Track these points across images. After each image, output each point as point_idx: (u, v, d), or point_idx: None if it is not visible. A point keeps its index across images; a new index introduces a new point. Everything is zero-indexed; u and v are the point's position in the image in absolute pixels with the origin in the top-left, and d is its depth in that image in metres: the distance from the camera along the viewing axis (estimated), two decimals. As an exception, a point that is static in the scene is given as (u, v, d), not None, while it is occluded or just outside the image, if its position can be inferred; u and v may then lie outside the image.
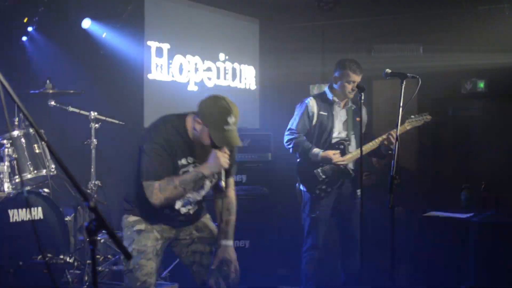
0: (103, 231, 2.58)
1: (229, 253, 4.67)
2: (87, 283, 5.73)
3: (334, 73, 6.46)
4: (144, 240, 4.50)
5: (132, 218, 4.55)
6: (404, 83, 5.19)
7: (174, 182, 4.27)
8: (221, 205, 4.80)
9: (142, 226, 4.53)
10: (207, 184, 4.61)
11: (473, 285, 5.78)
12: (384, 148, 6.34)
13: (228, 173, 4.70)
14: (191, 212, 4.64)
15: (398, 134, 5.19)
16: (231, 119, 4.28)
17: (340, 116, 6.48)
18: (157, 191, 4.27)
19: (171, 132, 4.42)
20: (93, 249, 2.60)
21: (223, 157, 4.32)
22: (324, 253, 6.55)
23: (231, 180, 4.83)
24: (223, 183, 4.44)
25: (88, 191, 6.43)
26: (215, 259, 4.66)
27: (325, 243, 6.51)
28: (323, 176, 6.37)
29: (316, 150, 6.31)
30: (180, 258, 4.85)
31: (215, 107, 4.32)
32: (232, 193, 4.83)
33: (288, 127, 6.46)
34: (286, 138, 6.43)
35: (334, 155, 6.31)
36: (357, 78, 6.33)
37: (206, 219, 4.83)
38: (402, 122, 6.28)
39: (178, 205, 4.53)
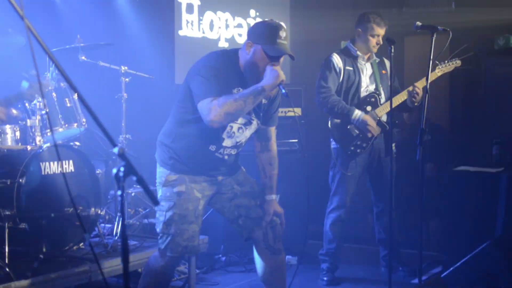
0: (132, 176, 2.59)
1: (277, 206, 4.72)
2: (117, 236, 5.78)
3: (356, 27, 6.40)
4: (185, 203, 4.45)
5: (172, 177, 4.48)
6: (435, 36, 5.15)
7: (233, 96, 4.15)
8: (264, 159, 4.77)
9: (182, 187, 4.46)
10: (254, 124, 4.54)
11: (503, 235, 5.76)
12: (410, 101, 6.30)
13: (270, 121, 4.70)
14: (232, 156, 4.57)
15: (428, 83, 5.15)
16: (282, 33, 4.27)
17: (366, 69, 6.43)
18: (216, 107, 4.10)
19: (224, 60, 4.39)
20: (122, 195, 2.62)
21: (279, 70, 4.23)
22: (350, 213, 6.56)
23: (273, 131, 4.78)
24: (284, 90, 4.26)
25: (121, 147, 6.43)
26: (266, 215, 4.67)
27: (352, 203, 6.52)
28: (357, 132, 6.34)
29: (356, 113, 6.26)
30: (222, 214, 4.78)
31: (264, 24, 4.35)
32: (274, 146, 4.79)
33: (318, 84, 6.40)
34: (319, 96, 6.36)
35: (371, 123, 6.26)
36: (381, 31, 6.27)
37: (244, 173, 4.79)
38: (433, 69, 6.22)
39: (225, 135, 4.42)
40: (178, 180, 4.47)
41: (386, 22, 6.32)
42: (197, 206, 4.49)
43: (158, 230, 4.57)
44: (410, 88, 6.24)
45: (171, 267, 4.67)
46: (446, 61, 6.40)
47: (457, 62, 6.43)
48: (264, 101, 4.52)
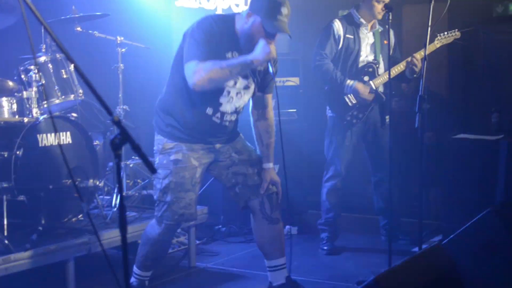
0: (128, 144, 2.57)
1: (274, 174, 4.74)
2: (116, 207, 5.77)
3: None
4: (182, 171, 4.46)
5: (169, 145, 4.49)
6: (433, 2, 5.10)
7: (220, 63, 4.14)
8: (260, 128, 4.77)
9: (179, 155, 4.46)
10: (251, 88, 4.54)
11: (504, 202, 5.75)
12: (409, 72, 6.26)
13: (267, 88, 4.69)
14: (231, 122, 4.56)
15: (426, 53, 5.11)
16: (284, 10, 4.27)
17: (367, 38, 6.38)
18: (201, 70, 4.12)
19: (219, 24, 4.36)
20: (118, 163, 2.60)
21: (272, 46, 4.22)
22: (346, 182, 6.55)
23: (270, 98, 4.77)
24: (271, 69, 4.33)
25: (116, 115, 6.42)
26: (263, 182, 4.67)
27: (347, 172, 6.51)
28: (354, 101, 6.31)
29: (349, 82, 6.23)
30: (220, 181, 4.80)
31: None
32: (271, 114, 4.79)
33: (315, 50, 6.37)
34: (315, 63, 6.33)
35: (364, 90, 6.23)
36: None
37: (242, 140, 4.79)
38: (432, 41, 6.19)
39: (223, 99, 4.42)
40: (175, 148, 4.47)
41: None
42: (194, 174, 4.48)
43: (155, 197, 4.59)
44: (409, 59, 6.20)
45: (168, 235, 4.68)
46: (446, 33, 6.36)
47: (456, 34, 6.40)
48: (259, 67, 4.51)
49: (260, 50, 4.19)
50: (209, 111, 4.44)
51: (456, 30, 6.39)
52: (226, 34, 4.34)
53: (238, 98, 4.49)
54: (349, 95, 6.29)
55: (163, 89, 4.63)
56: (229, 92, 4.43)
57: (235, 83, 4.44)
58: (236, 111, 4.56)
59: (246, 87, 4.51)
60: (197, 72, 4.13)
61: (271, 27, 4.25)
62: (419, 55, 6.17)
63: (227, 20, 4.45)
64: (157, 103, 4.62)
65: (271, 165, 4.75)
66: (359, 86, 6.24)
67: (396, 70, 6.25)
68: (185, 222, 4.61)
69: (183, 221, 4.56)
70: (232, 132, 4.67)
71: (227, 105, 4.46)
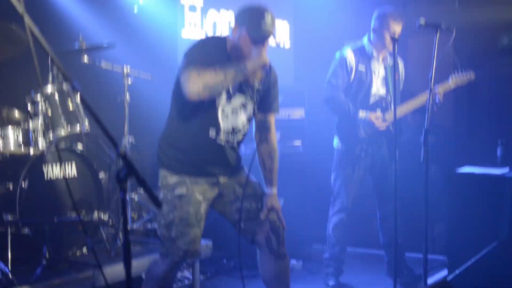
0: (133, 176, 2.56)
1: (277, 201, 4.66)
2: (121, 241, 5.75)
3: (372, 24, 6.33)
4: (186, 206, 4.40)
5: (172, 179, 4.44)
6: (438, 34, 5.11)
7: (214, 70, 4.12)
8: (263, 152, 4.72)
9: (183, 189, 4.41)
10: (249, 108, 4.52)
11: (509, 236, 5.73)
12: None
13: (269, 107, 4.67)
14: (229, 143, 4.50)
15: (432, 86, 5.12)
16: (267, 16, 4.29)
17: (378, 72, 6.37)
18: (195, 77, 4.06)
19: (213, 43, 4.42)
20: (124, 197, 2.60)
21: (263, 53, 4.26)
22: (353, 216, 6.53)
23: (272, 120, 4.74)
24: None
25: (122, 149, 6.42)
26: (264, 209, 4.61)
27: (354, 206, 6.49)
28: (365, 135, 6.30)
29: (362, 114, 6.22)
30: (224, 217, 4.73)
31: (249, 7, 4.36)
32: (273, 137, 4.74)
33: (328, 79, 6.33)
34: (325, 93, 6.31)
35: (376, 119, 6.24)
36: (397, 28, 6.19)
37: (247, 175, 4.70)
38: (445, 78, 6.21)
39: (220, 118, 4.39)
40: (179, 182, 4.43)
41: (402, 17, 6.25)
42: (198, 209, 4.44)
43: (159, 233, 4.55)
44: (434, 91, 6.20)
45: (173, 272, 4.63)
46: (460, 73, 6.36)
47: (471, 76, 6.39)
48: (257, 85, 4.51)
49: (252, 58, 4.25)
50: (212, 133, 4.41)
51: (471, 72, 6.38)
52: (219, 54, 4.35)
53: (234, 116, 4.45)
54: (360, 128, 6.27)
55: (165, 124, 4.62)
56: (223, 110, 4.40)
57: (230, 100, 4.42)
58: (235, 132, 4.49)
59: (243, 106, 4.48)
60: (192, 79, 4.07)
61: (256, 33, 4.27)
62: (442, 89, 6.18)
63: (220, 40, 4.49)
64: (160, 138, 4.61)
65: (273, 190, 4.68)
66: (372, 116, 6.23)
67: (417, 102, 6.26)
68: (190, 258, 4.56)
69: (188, 257, 4.50)
70: (235, 162, 4.62)
71: (224, 123, 4.43)
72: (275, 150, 4.74)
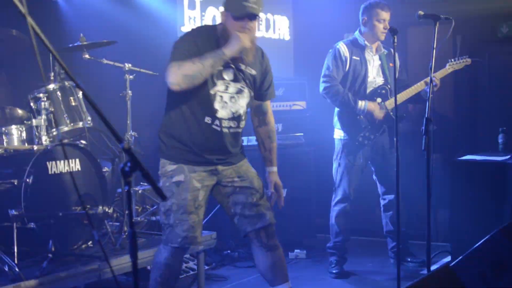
0: (138, 171, 2.59)
1: (277, 178, 4.81)
2: (126, 233, 5.78)
3: (362, 16, 6.41)
4: (184, 193, 4.46)
5: (170, 167, 4.51)
6: (438, 25, 5.15)
7: (193, 59, 4.26)
8: (262, 133, 4.84)
9: (181, 176, 4.48)
10: (246, 94, 4.59)
11: (511, 223, 5.75)
12: (425, 92, 6.29)
13: (264, 96, 4.78)
14: (232, 129, 4.58)
15: (431, 75, 5.16)
16: None
17: (373, 61, 6.43)
18: (175, 68, 4.24)
19: (201, 33, 4.52)
20: (129, 190, 2.63)
21: (244, 36, 4.32)
22: (355, 205, 6.57)
23: (269, 105, 4.86)
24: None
25: (127, 142, 6.45)
26: (270, 185, 4.76)
27: (356, 194, 6.53)
28: (366, 123, 6.35)
29: (360, 103, 6.27)
30: (222, 208, 4.83)
31: None
32: (271, 119, 4.87)
33: (323, 73, 6.41)
34: (322, 85, 6.37)
35: (375, 107, 6.28)
36: (386, 15, 6.27)
37: (247, 165, 4.80)
38: (443, 66, 6.26)
39: (217, 105, 4.47)
40: (176, 170, 4.50)
41: (389, 7, 6.33)
42: (196, 196, 4.50)
43: (160, 221, 4.63)
44: (427, 79, 6.23)
45: (176, 259, 4.66)
46: (457, 58, 6.42)
47: (467, 60, 6.47)
48: (251, 70, 4.60)
49: (231, 41, 4.32)
50: (208, 119, 4.48)
51: (467, 56, 6.44)
52: (209, 42, 4.43)
53: (232, 102, 4.52)
54: (361, 116, 6.32)
55: (163, 115, 4.69)
56: (222, 97, 4.48)
57: (227, 88, 4.50)
58: (234, 117, 4.56)
59: (240, 91, 4.55)
60: (172, 70, 4.25)
61: (238, 12, 4.34)
62: (439, 74, 6.24)
63: (209, 29, 4.61)
64: (159, 129, 4.66)
65: (274, 168, 4.84)
66: (371, 106, 6.28)
67: (414, 90, 6.31)
68: (189, 245, 4.59)
69: (186, 244, 4.54)
70: (236, 148, 4.68)
71: (223, 111, 4.50)
72: (273, 131, 4.88)
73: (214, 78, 4.44)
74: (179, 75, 4.23)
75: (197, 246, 4.75)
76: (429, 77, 6.14)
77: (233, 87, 4.52)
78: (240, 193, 4.66)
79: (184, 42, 4.44)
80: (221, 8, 4.50)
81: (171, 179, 4.49)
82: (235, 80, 4.53)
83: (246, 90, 4.59)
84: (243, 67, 4.55)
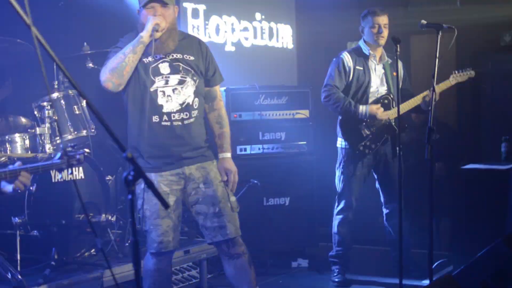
0: (141, 179, 2.61)
1: (229, 163, 4.82)
2: (129, 241, 5.79)
3: (360, 27, 6.45)
4: (154, 198, 4.43)
5: None
6: (440, 34, 5.17)
7: (115, 55, 4.48)
8: (211, 119, 4.89)
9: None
10: (189, 82, 4.63)
11: (513, 233, 5.76)
12: (424, 104, 6.27)
13: (211, 82, 4.85)
14: (186, 121, 4.62)
15: (434, 85, 5.18)
16: None
17: (377, 70, 6.44)
18: (103, 69, 4.47)
19: (128, 38, 4.67)
20: (132, 199, 2.65)
21: (153, 16, 4.45)
22: (358, 214, 6.57)
23: (217, 90, 4.92)
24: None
25: (129, 151, 6.46)
26: (221, 172, 4.79)
27: (358, 203, 6.53)
28: (368, 132, 6.35)
29: (362, 108, 6.28)
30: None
31: None
32: (220, 104, 4.93)
33: (325, 83, 6.43)
34: (324, 94, 6.39)
35: (377, 110, 6.28)
36: (380, 19, 6.30)
37: (216, 170, 4.81)
38: (447, 77, 6.26)
39: (161, 101, 4.54)
40: None
41: (383, 10, 6.34)
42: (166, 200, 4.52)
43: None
44: (425, 93, 6.23)
45: (161, 265, 4.72)
46: (461, 70, 6.38)
47: (471, 73, 6.40)
48: (189, 57, 4.68)
49: (145, 24, 4.47)
50: (156, 118, 4.55)
51: (471, 68, 6.41)
52: (130, 41, 4.56)
53: (176, 94, 4.57)
54: (363, 125, 6.32)
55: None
56: (164, 92, 4.55)
57: (167, 82, 4.57)
58: (183, 108, 4.60)
59: (181, 82, 4.60)
60: (102, 73, 4.48)
61: (142, 0, 4.53)
62: (439, 88, 6.20)
63: (131, 34, 4.71)
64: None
65: (226, 154, 4.86)
66: (373, 109, 6.27)
67: (412, 103, 6.30)
68: (164, 249, 4.62)
69: (162, 249, 4.59)
70: (196, 140, 4.71)
71: (169, 105, 4.56)
72: (222, 116, 4.91)
73: (151, 75, 4.53)
74: (106, 72, 4.44)
75: (173, 250, 4.78)
76: (427, 92, 6.19)
77: (173, 79, 4.59)
78: (203, 203, 4.70)
79: (113, 51, 4.63)
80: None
81: (140, 186, 4.50)
82: (173, 71, 4.60)
83: (188, 79, 4.63)
84: (177, 55, 4.64)
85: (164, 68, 4.57)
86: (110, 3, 7.42)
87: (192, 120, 4.65)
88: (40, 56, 2.73)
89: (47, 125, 5.67)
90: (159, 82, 4.55)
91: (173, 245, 4.65)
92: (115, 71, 4.41)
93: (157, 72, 4.55)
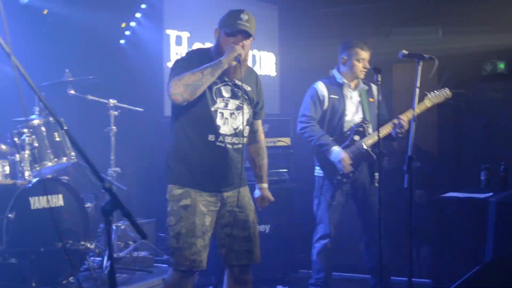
0: (118, 209, 2.62)
1: (269, 193, 5.02)
2: (107, 269, 5.77)
3: (340, 55, 6.41)
4: (192, 216, 4.52)
5: (177, 191, 4.56)
6: (421, 64, 5.19)
7: (191, 71, 4.38)
8: (252, 151, 4.99)
9: (188, 200, 4.52)
10: (245, 110, 4.68)
11: (493, 260, 5.77)
12: (395, 133, 6.27)
13: (256, 115, 4.92)
14: (235, 146, 4.65)
15: (417, 112, 5.20)
16: (244, 16, 4.52)
17: (352, 98, 6.43)
18: (176, 80, 4.35)
19: (196, 53, 4.74)
20: (109, 229, 2.65)
21: (237, 46, 4.47)
22: (337, 242, 6.56)
23: (260, 124, 5.03)
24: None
25: (109, 178, 6.48)
26: (258, 201, 4.98)
27: (337, 231, 6.51)
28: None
29: (335, 150, 6.24)
30: (215, 236, 4.82)
31: (228, 12, 4.60)
32: (261, 137, 5.04)
33: (301, 113, 6.41)
34: (300, 125, 6.38)
35: (347, 162, 6.22)
36: (366, 55, 6.28)
37: (249, 195, 4.86)
38: (421, 100, 6.22)
39: (219, 122, 4.55)
40: (183, 194, 4.55)
41: (369, 46, 6.34)
42: (203, 220, 4.56)
43: (169, 244, 4.65)
44: (395, 121, 6.22)
45: (185, 283, 4.68)
46: (436, 91, 6.32)
47: (447, 93, 6.32)
48: (247, 87, 4.73)
49: (227, 50, 4.46)
50: (211, 137, 4.56)
51: (446, 88, 6.37)
52: (203, 60, 4.52)
53: (233, 119, 4.62)
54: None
55: (169, 142, 4.75)
56: (222, 114, 4.58)
57: (227, 105, 4.60)
58: (236, 133, 4.64)
59: (239, 108, 4.65)
60: (173, 83, 4.36)
61: (231, 28, 4.50)
62: (405, 117, 6.17)
63: (204, 50, 4.79)
64: (166, 157, 4.71)
65: (264, 185, 5.01)
66: (345, 160, 6.22)
67: (384, 131, 6.26)
68: (195, 268, 4.62)
69: (193, 267, 4.57)
70: (239, 165, 4.70)
71: (225, 127, 4.59)
72: (263, 148, 5.03)
73: (213, 95, 4.55)
74: (180, 86, 4.33)
75: (203, 269, 4.77)
76: (397, 119, 6.18)
77: (232, 104, 4.63)
78: (234, 226, 4.69)
79: (181, 62, 4.57)
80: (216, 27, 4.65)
81: (178, 203, 4.54)
82: (234, 97, 4.64)
83: (245, 107, 4.68)
84: (239, 83, 4.66)
85: (226, 91, 4.62)
86: (93, 30, 7.46)
87: (240, 146, 4.69)
88: (19, 85, 2.74)
89: (27, 151, 5.65)
90: (220, 104, 4.58)
91: (204, 265, 4.64)
92: (189, 87, 4.35)
93: (219, 94, 4.59)
